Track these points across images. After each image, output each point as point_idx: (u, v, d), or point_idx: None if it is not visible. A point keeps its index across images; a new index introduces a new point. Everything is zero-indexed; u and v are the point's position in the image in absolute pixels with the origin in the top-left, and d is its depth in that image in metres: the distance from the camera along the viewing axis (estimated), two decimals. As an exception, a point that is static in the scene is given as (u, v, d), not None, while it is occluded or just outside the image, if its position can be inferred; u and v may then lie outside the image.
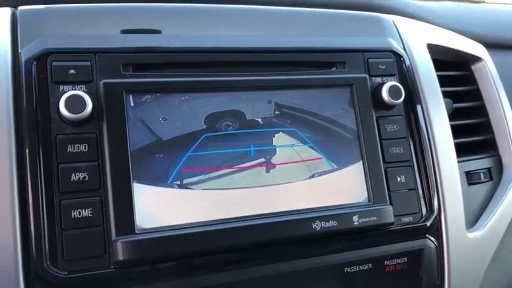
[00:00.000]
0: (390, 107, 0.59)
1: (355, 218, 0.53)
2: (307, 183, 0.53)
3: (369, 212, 0.54)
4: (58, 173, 0.46)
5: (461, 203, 0.61)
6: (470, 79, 0.74)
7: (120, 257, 0.45)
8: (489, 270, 0.63)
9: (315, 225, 0.51)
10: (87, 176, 0.46)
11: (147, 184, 0.48)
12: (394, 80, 0.60)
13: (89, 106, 0.46)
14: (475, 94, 0.73)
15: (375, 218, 0.54)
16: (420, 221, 0.58)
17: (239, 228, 0.49)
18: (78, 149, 0.47)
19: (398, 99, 0.58)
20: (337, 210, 0.53)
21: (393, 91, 0.58)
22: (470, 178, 0.66)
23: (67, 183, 0.46)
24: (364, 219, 0.53)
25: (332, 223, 0.52)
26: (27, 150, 0.46)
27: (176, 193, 0.49)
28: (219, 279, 0.49)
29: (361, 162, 0.57)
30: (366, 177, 0.57)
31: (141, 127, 0.49)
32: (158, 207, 0.48)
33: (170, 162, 0.49)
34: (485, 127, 0.72)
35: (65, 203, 0.45)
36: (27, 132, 0.46)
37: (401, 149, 0.59)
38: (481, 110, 0.73)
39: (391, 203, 0.56)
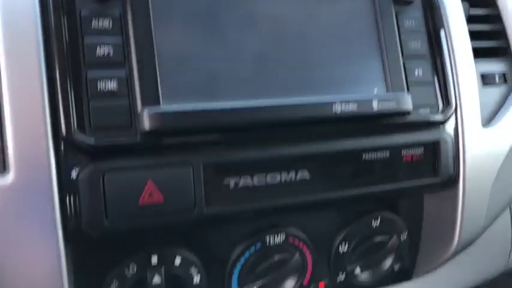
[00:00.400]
0: (409, 2, 0.59)
1: (374, 103, 0.54)
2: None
3: (388, 98, 0.54)
4: (83, 46, 0.46)
5: (477, 99, 0.62)
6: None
7: (146, 127, 0.46)
8: (503, 166, 0.64)
9: (335, 107, 0.52)
10: (112, 51, 0.47)
11: (172, 61, 0.49)
12: (412, -23, 0.60)
13: None
14: (491, 2, 0.73)
15: (394, 104, 0.54)
16: (437, 113, 0.59)
17: (263, 106, 0.49)
18: (103, 24, 0.47)
19: None
20: (357, 95, 0.54)
21: None
22: (486, 80, 0.67)
23: (92, 57, 0.46)
24: (383, 104, 0.54)
25: (352, 106, 0.52)
26: (52, 24, 0.46)
27: (201, 69, 0.49)
28: (238, 155, 0.50)
29: (380, 54, 0.57)
30: (384, 69, 0.57)
31: (164, 7, 0.49)
32: (183, 83, 0.48)
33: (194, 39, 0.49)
34: (501, 35, 0.72)
35: (91, 75, 0.46)
36: (51, 7, 0.46)
37: (419, 44, 0.60)
38: (496, 18, 0.73)
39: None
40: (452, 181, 0.61)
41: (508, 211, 0.83)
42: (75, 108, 0.45)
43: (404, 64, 0.58)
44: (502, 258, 0.84)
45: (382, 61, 0.57)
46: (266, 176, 0.52)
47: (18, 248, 0.45)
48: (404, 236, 0.66)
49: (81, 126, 0.45)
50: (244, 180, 0.51)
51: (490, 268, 0.84)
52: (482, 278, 0.84)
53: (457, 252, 0.67)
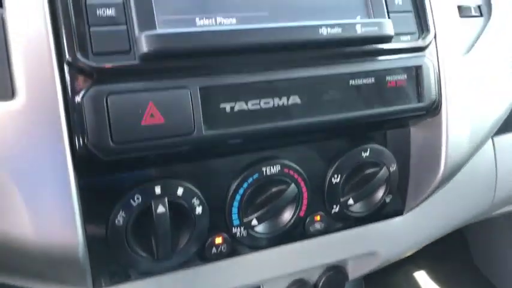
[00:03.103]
0: None
1: (358, 27, 0.57)
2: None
3: (371, 23, 0.58)
4: None
5: (456, 28, 0.66)
6: None
7: (144, 49, 0.48)
8: (481, 93, 0.68)
9: (321, 30, 0.55)
10: None
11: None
12: None
13: None
14: None
15: (376, 28, 0.58)
16: (418, 40, 0.62)
17: (256, 28, 0.52)
18: None
19: None
20: (342, 21, 0.57)
21: None
22: (462, 12, 0.71)
23: None
24: (366, 29, 0.57)
25: (337, 29, 0.55)
26: None
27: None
28: (234, 78, 0.53)
29: (361, -15, 0.60)
30: (366, -2, 0.60)
31: None
32: (178, 8, 0.51)
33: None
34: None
35: (89, 2, 0.49)
36: None
37: None
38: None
39: (390, 20, 0.60)
40: (435, 107, 0.65)
41: (492, 150, 0.87)
42: (77, 34, 0.48)
43: None
44: (488, 193, 0.88)
45: (364, -9, 0.60)
46: (260, 100, 0.55)
47: (28, 173, 0.47)
48: (393, 168, 0.70)
49: (83, 51, 0.48)
50: (239, 104, 0.54)
51: (478, 203, 0.88)
52: (470, 214, 0.88)
53: (443, 180, 0.71)
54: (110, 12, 0.49)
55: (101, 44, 0.48)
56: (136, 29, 0.49)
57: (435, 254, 1.56)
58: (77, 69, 0.47)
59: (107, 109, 0.48)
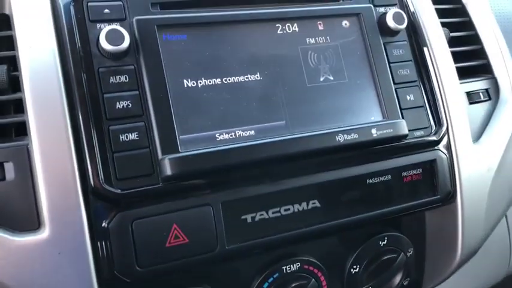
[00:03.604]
0: (395, 32, 0.64)
1: (373, 131, 0.58)
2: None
3: (385, 125, 0.59)
4: (104, 102, 0.50)
5: (466, 118, 0.67)
6: (462, 12, 0.79)
7: (168, 173, 0.49)
8: (495, 179, 0.68)
9: (339, 137, 0.56)
10: (130, 104, 0.51)
11: (186, 108, 0.52)
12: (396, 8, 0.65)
13: (127, 38, 0.50)
14: (468, 25, 0.78)
15: (391, 130, 0.59)
16: (431, 135, 0.63)
17: (272, 143, 0.53)
18: (120, 79, 0.51)
19: (402, 24, 0.63)
20: (357, 125, 0.58)
21: (397, 17, 0.62)
22: (471, 98, 0.72)
23: (113, 111, 0.50)
24: (381, 132, 0.58)
25: (353, 135, 0.56)
26: (74, 83, 0.50)
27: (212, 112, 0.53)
28: (254, 190, 0.54)
29: (373, 84, 0.62)
30: (379, 98, 0.62)
31: (174, 58, 0.53)
32: (198, 127, 0.52)
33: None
34: (481, 54, 0.77)
35: (113, 128, 0.50)
36: (72, 67, 0.50)
37: (408, 71, 0.64)
38: (475, 39, 0.78)
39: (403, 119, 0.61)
40: (450, 197, 0.65)
41: (504, 220, 0.87)
42: (101, 160, 0.48)
43: (396, 91, 0.63)
44: (503, 264, 0.88)
45: (376, 91, 0.61)
46: (280, 208, 0.55)
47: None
48: (410, 252, 0.70)
49: (107, 177, 0.48)
50: (260, 214, 0.54)
51: (493, 274, 0.88)
52: (487, 283, 0.88)
53: (460, 264, 0.71)
54: (133, 136, 0.50)
55: (125, 169, 0.49)
56: (160, 152, 0.50)
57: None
58: (101, 197, 0.48)
59: (132, 235, 0.48)
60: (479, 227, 0.69)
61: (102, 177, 0.48)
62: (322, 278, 0.64)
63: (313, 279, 0.63)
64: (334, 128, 0.57)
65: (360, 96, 0.61)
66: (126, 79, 0.51)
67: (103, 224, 0.48)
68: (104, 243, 0.48)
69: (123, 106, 0.50)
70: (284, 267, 0.61)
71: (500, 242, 0.86)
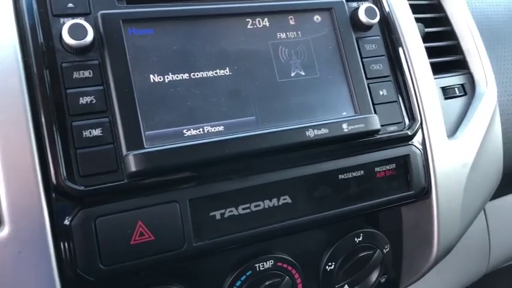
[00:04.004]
0: (368, 27, 0.64)
1: (344, 126, 0.57)
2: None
3: (357, 120, 0.58)
4: (67, 97, 0.49)
5: (440, 113, 0.66)
6: (438, 7, 0.79)
7: (133, 169, 0.48)
8: (471, 174, 0.68)
9: (309, 133, 0.55)
10: (94, 99, 0.50)
11: (151, 104, 0.52)
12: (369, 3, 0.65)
13: (90, 33, 0.49)
14: (444, 20, 0.78)
15: (363, 125, 0.58)
16: (404, 129, 0.63)
17: (241, 137, 0.52)
18: (83, 75, 0.50)
19: (375, 19, 0.62)
20: (328, 120, 0.57)
21: (369, 11, 0.62)
22: (446, 93, 0.72)
23: (76, 106, 0.49)
24: (352, 126, 0.57)
25: (324, 131, 0.56)
26: (36, 79, 0.49)
27: (179, 107, 0.52)
28: (223, 186, 0.53)
29: (345, 80, 0.61)
30: (351, 93, 0.61)
31: (140, 53, 0.52)
32: (164, 123, 0.51)
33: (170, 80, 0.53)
34: (456, 49, 0.77)
35: (75, 124, 0.49)
36: (34, 62, 0.49)
37: (381, 66, 0.64)
38: (451, 35, 0.78)
39: (375, 114, 0.61)
40: (425, 192, 0.65)
41: (483, 217, 0.87)
42: (63, 157, 0.48)
43: (369, 86, 0.62)
44: (482, 261, 0.88)
45: (348, 86, 0.61)
46: (250, 205, 0.55)
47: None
48: (387, 249, 0.69)
49: (70, 174, 0.47)
50: (230, 211, 0.54)
51: (472, 272, 0.87)
52: (466, 281, 0.88)
53: (437, 260, 0.70)
54: (97, 132, 0.49)
55: (88, 166, 0.48)
56: (124, 148, 0.49)
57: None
58: (64, 195, 0.47)
59: (96, 232, 0.47)
60: (455, 222, 0.69)
61: (65, 174, 0.47)
62: (296, 276, 0.63)
63: (287, 277, 0.62)
64: (305, 123, 0.56)
65: (332, 92, 0.60)
66: (90, 74, 0.50)
67: (65, 222, 0.47)
68: (66, 241, 0.47)
69: (86, 102, 0.49)
70: (257, 265, 0.60)
71: (479, 239, 0.86)
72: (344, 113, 0.60)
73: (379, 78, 0.63)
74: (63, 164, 0.47)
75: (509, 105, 0.80)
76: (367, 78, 0.63)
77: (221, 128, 0.54)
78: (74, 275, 0.47)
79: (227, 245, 0.54)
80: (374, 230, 0.68)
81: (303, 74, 0.60)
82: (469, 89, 0.74)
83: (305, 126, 0.55)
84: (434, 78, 0.69)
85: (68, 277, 0.47)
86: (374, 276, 0.70)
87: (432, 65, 0.70)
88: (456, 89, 0.73)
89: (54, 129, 0.48)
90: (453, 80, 0.74)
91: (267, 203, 0.55)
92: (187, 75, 0.54)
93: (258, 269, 0.60)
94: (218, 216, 0.53)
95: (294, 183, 0.57)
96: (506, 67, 0.83)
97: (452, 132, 0.70)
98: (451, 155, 0.66)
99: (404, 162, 0.63)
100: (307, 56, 0.61)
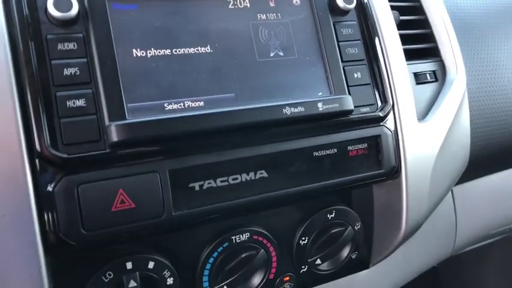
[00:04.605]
0: (345, 12, 0.66)
1: (319, 105, 0.60)
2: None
3: (332, 100, 0.61)
4: (51, 68, 0.50)
5: (412, 97, 0.70)
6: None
7: (114, 139, 0.50)
8: (439, 157, 0.72)
9: (285, 110, 0.58)
10: (78, 71, 0.51)
11: (134, 77, 0.53)
12: (344, -10, 0.67)
13: (75, 6, 0.50)
14: (419, 9, 0.81)
15: (337, 105, 0.61)
16: (376, 111, 0.66)
17: (221, 112, 0.55)
18: (68, 47, 0.51)
19: (351, 4, 0.65)
20: (304, 100, 0.60)
21: None
22: (418, 79, 0.75)
23: (60, 77, 0.50)
24: (327, 106, 0.60)
25: (300, 109, 0.58)
26: (21, 50, 0.50)
27: (160, 82, 0.54)
28: (202, 159, 0.55)
29: (322, 62, 0.64)
30: (327, 75, 0.64)
31: (124, 28, 0.54)
32: (146, 96, 0.53)
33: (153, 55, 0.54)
34: (429, 37, 0.80)
35: (59, 94, 0.50)
36: (19, 33, 0.50)
37: (356, 50, 0.67)
38: (424, 23, 0.81)
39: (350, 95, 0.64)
40: (395, 172, 0.68)
41: (451, 200, 0.91)
42: (47, 126, 0.49)
43: (344, 69, 0.65)
44: (449, 241, 0.92)
45: (324, 67, 0.64)
46: (228, 177, 0.57)
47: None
48: (358, 226, 0.72)
49: (53, 142, 0.49)
50: (208, 183, 0.56)
51: (440, 250, 0.91)
52: (433, 260, 0.92)
53: (405, 237, 0.74)
54: (80, 102, 0.50)
55: (71, 134, 0.50)
56: (106, 119, 0.51)
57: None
58: (47, 161, 0.48)
59: (78, 198, 0.49)
60: (423, 202, 0.73)
61: (49, 141, 0.49)
62: (271, 249, 0.66)
63: (262, 250, 0.65)
64: (282, 102, 0.58)
65: (309, 73, 0.63)
66: (74, 46, 0.52)
67: (48, 188, 0.48)
68: (49, 207, 0.48)
69: (70, 73, 0.51)
70: (234, 237, 0.63)
71: (446, 222, 0.90)
72: (320, 93, 0.63)
73: (354, 62, 0.66)
74: (47, 132, 0.49)
75: (478, 92, 0.83)
76: (342, 61, 0.65)
77: (201, 103, 0.56)
78: (56, 239, 0.49)
79: (205, 215, 0.56)
80: (346, 208, 0.71)
81: (282, 54, 0.62)
82: (440, 76, 0.78)
83: (282, 104, 0.58)
84: (407, 64, 0.72)
85: (50, 241, 0.49)
86: (345, 252, 0.73)
87: (405, 51, 0.73)
88: (428, 75, 0.76)
89: (39, 99, 0.49)
90: (425, 66, 0.77)
91: (245, 177, 0.58)
92: (170, 51, 0.56)
93: (234, 241, 0.63)
94: (197, 188, 0.55)
95: (270, 159, 0.59)
96: (478, 56, 0.87)
97: (423, 116, 0.73)
98: (421, 138, 0.70)
99: (375, 142, 0.66)
100: (286, 37, 0.63)
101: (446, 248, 0.93)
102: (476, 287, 1.55)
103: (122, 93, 0.52)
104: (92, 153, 0.50)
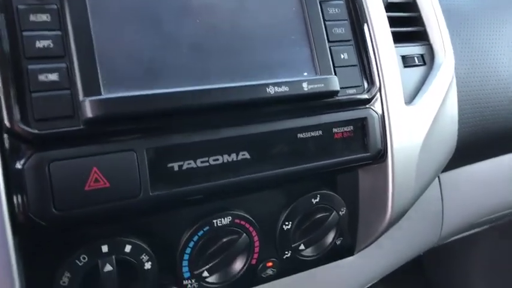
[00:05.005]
0: None
1: (304, 85, 0.58)
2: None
3: (317, 80, 0.59)
4: (22, 40, 0.48)
5: (399, 79, 0.68)
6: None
7: (89, 115, 0.48)
8: (426, 141, 0.70)
9: (269, 89, 0.56)
10: (51, 44, 0.49)
11: (111, 52, 0.51)
12: (333, -32, 0.65)
13: None
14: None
15: (322, 85, 0.59)
16: (363, 93, 0.64)
17: (201, 90, 0.53)
18: (41, 18, 0.49)
19: None
20: (289, 79, 0.58)
21: None
22: (406, 61, 0.74)
23: (32, 49, 0.48)
24: (312, 86, 0.58)
25: (284, 88, 0.57)
26: None
27: (139, 58, 0.52)
28: (182, 138, 0.53)
29: (308, 41, 0.62)
30: (312, 54, 0.62)
31: (101, 1, 0.52)
32: (123, 72, 0.51)
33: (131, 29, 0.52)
34: (417, 21, 0.79)
35: (31, 67, 0.48)
36: None
37: (343, 30, 0.65)
38: (413, 6, 0.80)
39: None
40: (381, 155, 0.67)
41: (438, 188, 0.90)
42: (18, 100, 0.47)
43: (330, 49, 0.63)
44: (435, 229, 0.91)
45: (310, 47, 0.62)
46: (209, 158, 0.55)
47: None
48: (343, 211, 0.71)
49: (24, 118, 0.47)
50: (188, 163, 0.54)
51: (426, 238, 0.91)
52: (419, 249, 0.91)
53: (391, 223, 0.73)
54: (53, 76, 0.48)
55: (43, 110, 0.47)
56: (81, 94, 0.49)
57: (390, 276, 1.60)
58: (17, 137, 0.46)
59: (49, 176, 0.47)
60: (409, 187, 0.71)
61: (19, 116, 0.46)
62: (254, 234, 0.64)
63: (244, 234, 0.63)
64: (266, 80, 0.56)
65: (294, 52, 0.61)
66: (47, 18, 0.49)
67: (17, 165, 0.46)
68: (18, 184, 0.46)
69: (43, 46, 0.48)
70: (215, 221, 0.61)
71: (433, 209, 0.89)
72: (305, 74, 0.61)
73: (340, 42, 0.64)
74: (17, 107, 0.46)
75: (466, 78, 0.82)
76: (329, 41, 0.64)
77: (181, 81, 0.54)
78: (25, 219, 0.46)
79: (185, 197, 0.54)
80: (331, 193, 0.70)
81: (266, 32, 0.60)
82: (428, 60, 0.76)
83: (266, 83, 0.56)
84: (395, 47, 0.70)
85: (19, 221, 0.47)
86: (330, 237, 0.72)
87: (393, 34, 0.71)
88: (416, 58, 0.74)
89: (8, 72, 0.47)
90: (413, 49, 0.76)
91: (226, 158, 0.56)
92: (148, 25, 0.54)
93: (215, 225, 0.61)
94: (176, 168, 0.53)
95: (253, 140, 0.57)
96: (467, 42, 0.85)
97: (410, 99, 0.72)
98: (408, 121, 0.68)
99: (362, 124, 0.64)
100: (271, 15, 0.61)
101: (432, 236, 0.92)
102: (461, 278, 1.55)
103: (98, 68, 0.50)
104: (65, 129, 0.48)
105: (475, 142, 0.83)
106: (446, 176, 0.89)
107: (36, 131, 0.47)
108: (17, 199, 0.46)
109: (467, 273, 1.54)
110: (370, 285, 0.88)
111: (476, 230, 1.11)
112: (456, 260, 1.52)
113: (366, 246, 0.78)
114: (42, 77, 0.48)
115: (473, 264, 1.53)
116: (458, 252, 1.50)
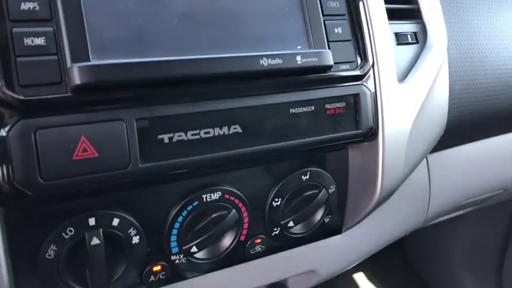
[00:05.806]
0: None
1: (298, 58, 0.57)
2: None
3: (311, 54, 0.58)
4: (7, 2, 0.46)
5: (392, 56, 0.67)
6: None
7: (77, 81, 0.46)
8: (417, 119, 0.70)
9: (263, 61, 0.55)
10: (38, 6, 0.47)
11: (100, 17, 0.49)
12: None
13: None
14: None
15: (316, 59, 0.58)
16: (356, 69, 0.64)
17: (194, 59, 0.51)
18: None
19: None
20: (283, 52, 0.57)
21: None
22: (399, 39, 0.73)
23: (17, 12, 0.46)
24: (306, 59, 0.57)
25: (278, 61, 0.55)
26: None
27: (129, 25, 0.50)
28: (173, 109, 0.52)
29: (302, 13, 0.61)
30: (306, 27, 0.61)
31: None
32: (112, 38, 0.49)
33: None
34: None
35: (16, 31, 0.46)
36: None
37: (337, 4, 0.64)
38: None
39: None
40: (372, 133, 0.66)
41: (426, 169, 0.91)
42: (2, 65, 0.45)
43: (324, 23, 0.62)
44: (422, 209, 0.91)
45: (304, 20, 0.61)
46: (200, 131, 0.54)
47: None
48: (332, 189, 0.71)
49: (9, 83, 0.45)
50: (178, 135, 0.53)
51: (413, 219, 0.91)
52: (405, 228, 0.91)
53: (379, 202, 0.73)
54: (39, 41, 0.46)
55: (29, 75, 0.45)
56: (69, 60, 0.47)
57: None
58: (1, 103, 0.44)
59: (36, 144, 0.45)
60: (399, 166, 0.71)
61: (3, 82, 0.44)
62: (243, 210, 0.64)
63: (233, 210, 0.62)
64: (259, 52, 0.55)
65: (288, 24, 0.60)
66: None
67: (2, 132, 0.44)
68: (2, 153, 0.44)
69: (29, 8, 0.46)
70: (204, 196, 0.60)
71: (420, 190, 0.90)
72: (299, 47, 0.60)
73: (335, 16, 0.63)
74: (1, 71, 0.45)
75: (458, 59, 0.82)
76: (323, 15, 0.62)
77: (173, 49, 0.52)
78: (10, 188, 0.45)
79: (174, 169, 0.53)
80: (321, 170, 0.69)
81: (261, 4, 0.59)
82: (421, 38, 0.76)
83: (259, 55, 0.55)
84: (389, 24, 0.69)
85: (4, 191, 0.45)
86: (318, 215, 0.71)
87: (388, 10, 0.70)
88: (409, 36, 0.74)
89: None
90: (407, 27, 0.75)
91: (217, 131, 0.55)
92: None
93: (205, 200, 0.60)
94: (166, 140, 0.52)
95: (245, 113, 0.56)
96: (459, 23, 0.85)
97: (403, 77, 0.71)
98: (400, 99, 0.68)
99: (354, 101, 0.64)
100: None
101: (418, 217, 0.92)
102: (443, 260, 1.57)
103: (86, 33, 0.48)
104: (52, 96, 0.46)
105: (464, 123, 0.83)
106: (435, 157, 0.89)
107: (21, 97, 0.45)
108: (1, 168, 0.45)
109: (448, 256, 1.56)
110: (354, 264, 0.88)
111: (460, 212, 1.13)
112: (439, 241, 1.54)
113: (354, 225, 0.78)
114: (28, 41, 0.46)
115: (454, 247, 1.55)
116: (441, 235, 1.52)
